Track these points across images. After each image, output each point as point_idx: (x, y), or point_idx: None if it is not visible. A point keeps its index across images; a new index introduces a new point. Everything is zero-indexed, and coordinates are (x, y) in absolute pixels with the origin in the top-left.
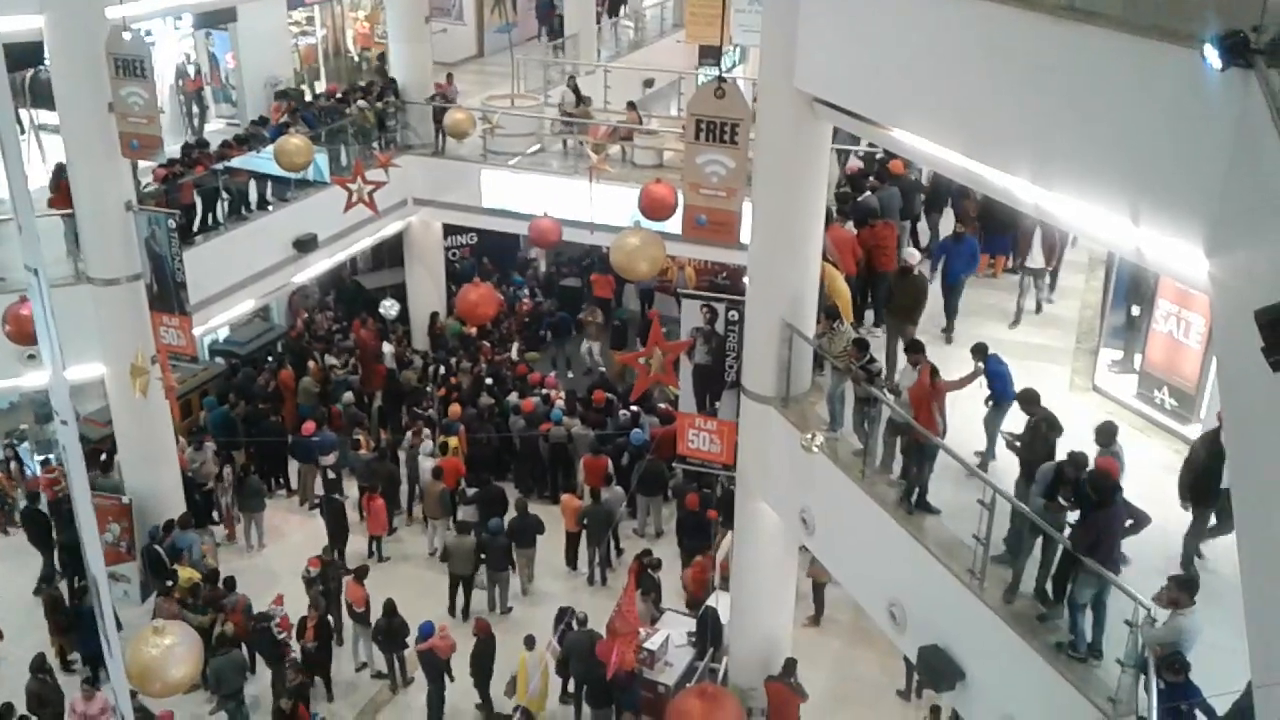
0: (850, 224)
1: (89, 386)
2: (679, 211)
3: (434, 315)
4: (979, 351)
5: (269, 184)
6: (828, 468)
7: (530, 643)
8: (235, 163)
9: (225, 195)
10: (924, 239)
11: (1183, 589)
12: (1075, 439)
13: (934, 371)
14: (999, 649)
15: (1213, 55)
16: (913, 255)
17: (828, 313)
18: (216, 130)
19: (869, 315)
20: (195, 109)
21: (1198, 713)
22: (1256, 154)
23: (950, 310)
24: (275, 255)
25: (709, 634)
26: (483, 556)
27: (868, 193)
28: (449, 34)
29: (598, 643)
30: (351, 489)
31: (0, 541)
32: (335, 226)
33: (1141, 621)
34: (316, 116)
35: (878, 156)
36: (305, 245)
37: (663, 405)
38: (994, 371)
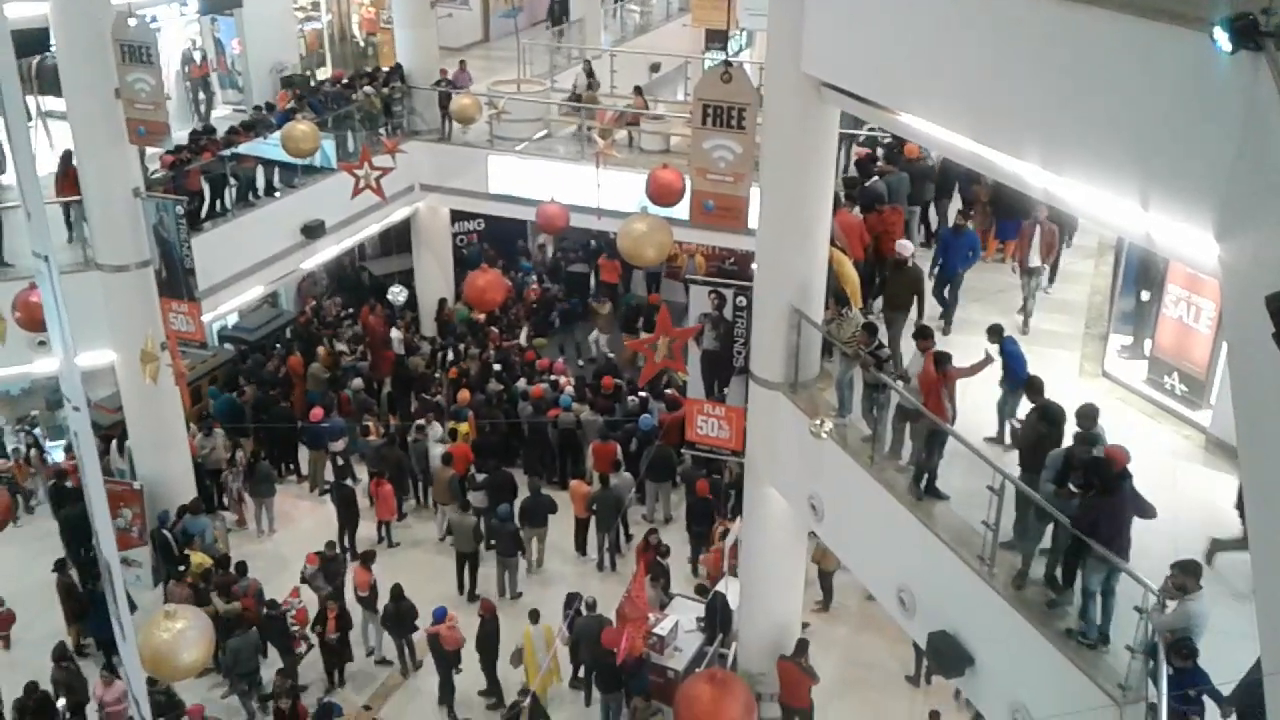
0: (858, 209)
1: (99, 373)
2: (686, 197)
3: (442, 301)
4: (995, 333)
5: (276, 170)
6: (837, 454)
7: (535, 617)
8: (242, 149)
9: (233, 182)
10: (935, 225)
11: (1188, 574)
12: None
13: (944, 358)
14: (1008, 635)
15: (1222, 38)
16: (906, 247)
17: (836, 298)
18: (223, 116)
19: (877, 301)
20: (202, 95)
21: (1205, 698)
22: (1266, 137)
23: (950, 302)
24: (283, 241)
25: (718, 619)
26: (492, 542)
27: (875, 178)
28: (455, 18)
29: (605, 630)
30: (362, 474)
31: (11, 529)
32: (343, 213)
33: (1152, 608)
34: (323, 102)
35: (885, 141)
36: (313, 231)
37: (670, 391)
38: (1009, 353)
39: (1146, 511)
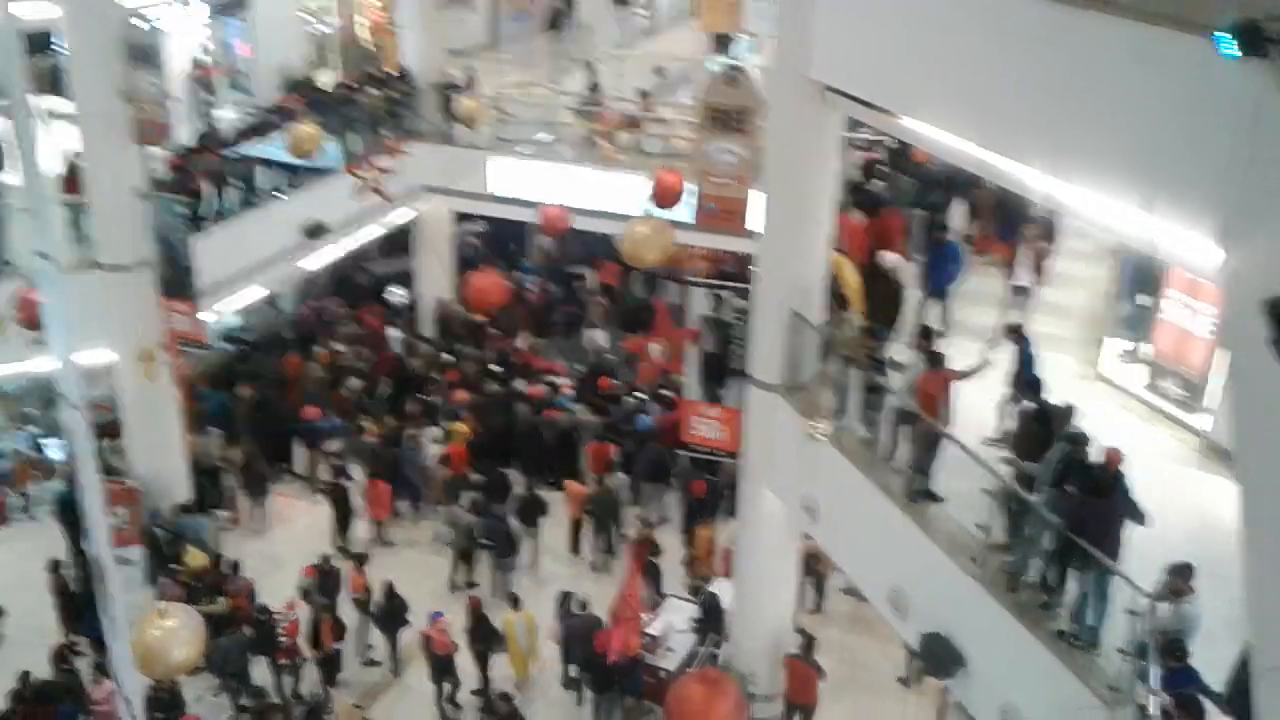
0: (859, 212)
1: (97, 372)
2: (689, 199)
3: (442, 302)
4: (1013, 332)
5: (280, 172)
6: (833, 456)
7: (515, 602)
8: (246, 150)
9: (236, 183)
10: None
11: (1181, 576)
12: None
13: (940, 360)
14: (1001, 637)
15: (1228, 44)
16: (887, 258)
17: (837, 301)
18: (229, 118)
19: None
20: (207, 97)
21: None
22: (1270, 143)
23: (944, 318)
24: (285, 242)
25: (711, 620)
26: (486, 543)
27: (876, 181)
28: (462, 22)
29: (597, 634)
30: (358, 474)
31: (8, 529)
32: (345, 214)
33: (1145, 610)
34: (327, 105)
35: (888, 145)
36: (315, 232)
37: (668, 392)
38: (1026, 355)
39: (1138, 516)
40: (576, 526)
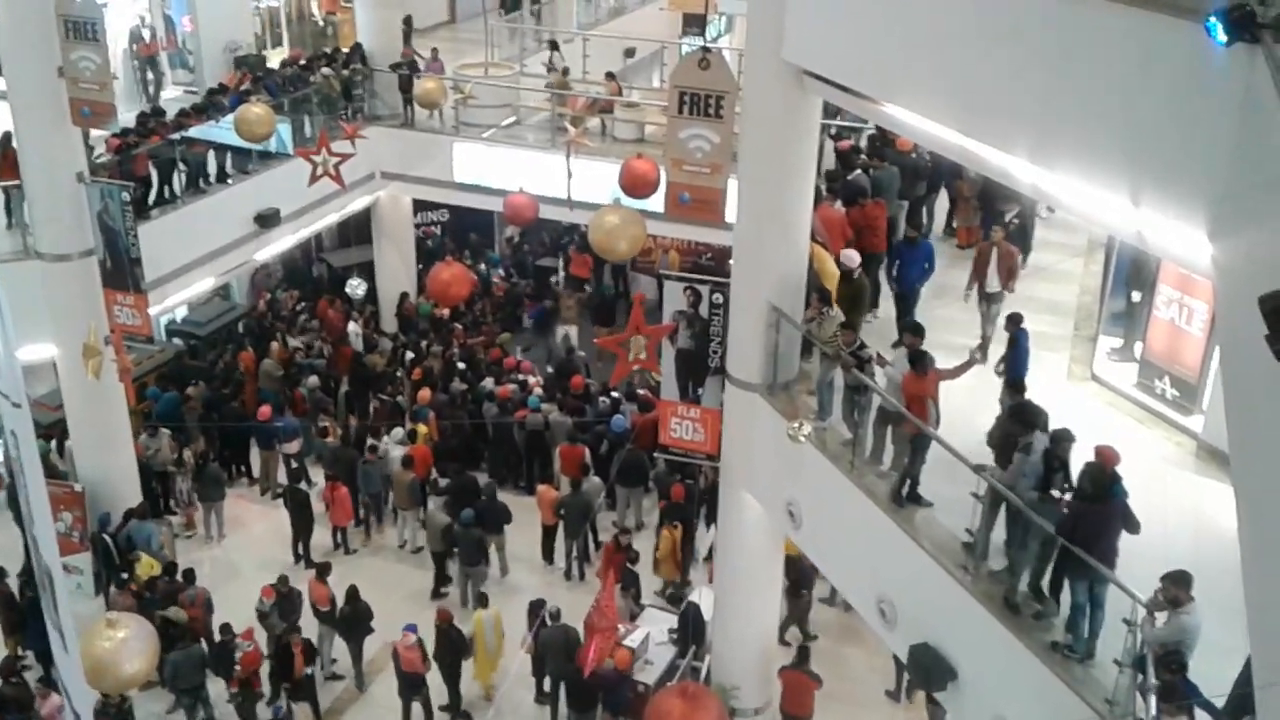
0: (839, 203)
1: (39, 368)
2: (661, 188)
3: (403, 295)
4: (1014, 322)
5: (229, 156)
6: (816, 458)
7: (484, 601)
8: (193, 133)
9: (182, 167)
10: (925, 223)
11: (1179, 585)
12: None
13: (923, 358)
14: (992, 648)
15: (1218, 29)
16: (852, 258)
17: (819, 295)
18: (173, 98)
19: None
20: (150, 75)
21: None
22: (1262, 132)
23: (904, 320)
24: (236, 231)
25: (691, 631)
26: (454, 550)
27: (857, 171)
28: None
29: (578, 650)
30: (317, 477)
31: None
32: (299, 201)
33: (1142, 620)
34: (279, 85)
35: (868, 133)
36: (267, 221)
37: (643, 392)
38: (1021, 348)
39: (1133, 526)
40: (549, 533)
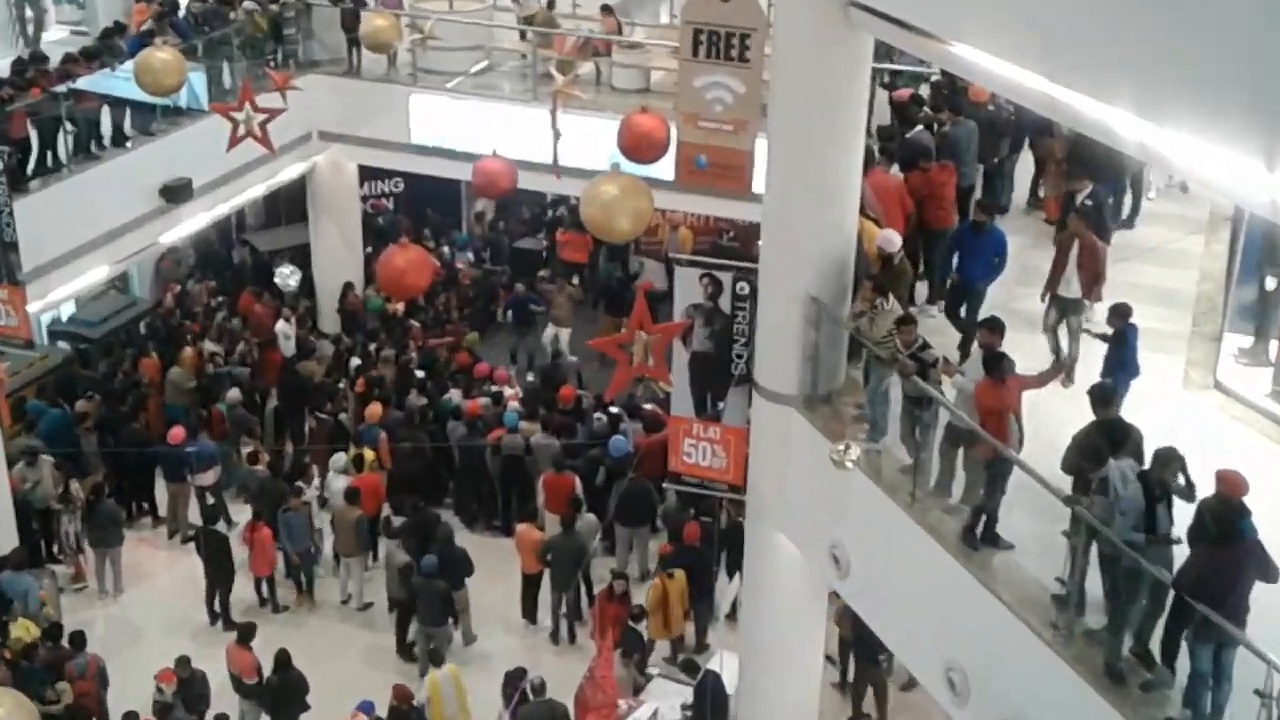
0: (896, 167)
1: None
2: (671, 151)
3: (347, 286)
4: (1120, 315)
5: (128, 112)
6: (867, 489)
7: (437, 659)
8: (82, 84)
9: (69, 127)
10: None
11: None
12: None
13: (1002, 362)
14: None
15: None
16: (891, 241)
17: (872, 283)
18: (57, 40)
19: (921, 288)
20: (29, 13)
21: None
22: None
23: (965, 323)
24: (137, 207)
25: (710, 707)
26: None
27: (919, 127)
28: None
29: None
30: (239, 516)
31: None
32: (216, 169)
33: (1277, 692)
34: (191, 23)
35: (933, 80)
36: (176, 194)
37: (649, 406)
38: (1130, 346)
39: (1270, 573)
40: (531, 584)
